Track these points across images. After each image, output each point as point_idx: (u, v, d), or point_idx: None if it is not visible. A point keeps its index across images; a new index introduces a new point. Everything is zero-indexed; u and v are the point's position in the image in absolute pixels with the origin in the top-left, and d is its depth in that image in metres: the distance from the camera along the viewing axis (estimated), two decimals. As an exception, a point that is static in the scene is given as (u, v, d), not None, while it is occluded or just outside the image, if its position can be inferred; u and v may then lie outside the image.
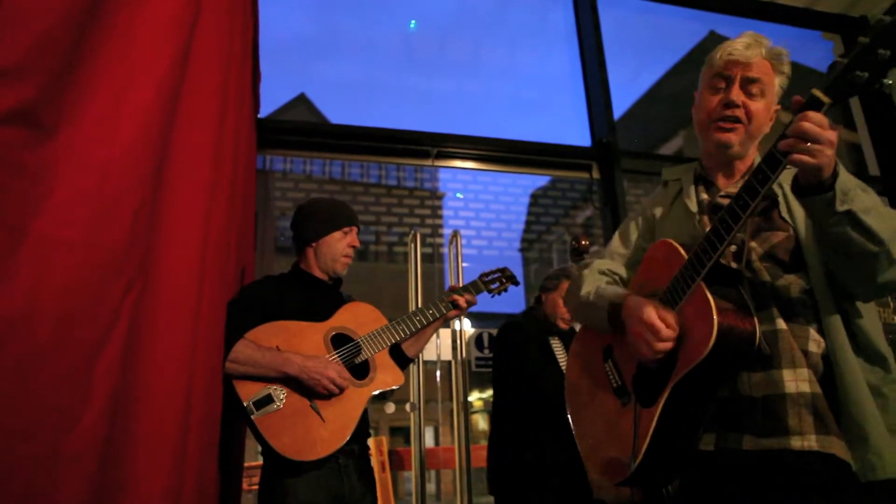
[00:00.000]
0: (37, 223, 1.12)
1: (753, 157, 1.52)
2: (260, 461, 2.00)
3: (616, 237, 1.72)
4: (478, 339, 3.64)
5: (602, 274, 1.63)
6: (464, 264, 3.45)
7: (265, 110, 3.25)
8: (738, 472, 1.27)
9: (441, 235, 4.04)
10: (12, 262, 1.07)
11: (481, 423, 11.70)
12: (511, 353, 2.79)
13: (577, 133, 4.17)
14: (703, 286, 1.25)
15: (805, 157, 1.10)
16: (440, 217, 4.16)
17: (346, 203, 2.37)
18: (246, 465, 2.51)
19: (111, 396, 1.22)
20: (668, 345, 1.25)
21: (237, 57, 2.23)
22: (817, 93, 1.11)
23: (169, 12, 1.56)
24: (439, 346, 3.49)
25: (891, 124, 4.45)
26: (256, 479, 2.09)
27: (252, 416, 1.88)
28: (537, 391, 2.57)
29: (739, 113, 1.43)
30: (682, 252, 1.33)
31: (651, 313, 1.28)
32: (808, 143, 1.10)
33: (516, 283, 2.59)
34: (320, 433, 1.92)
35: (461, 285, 2.46)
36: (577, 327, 1.80)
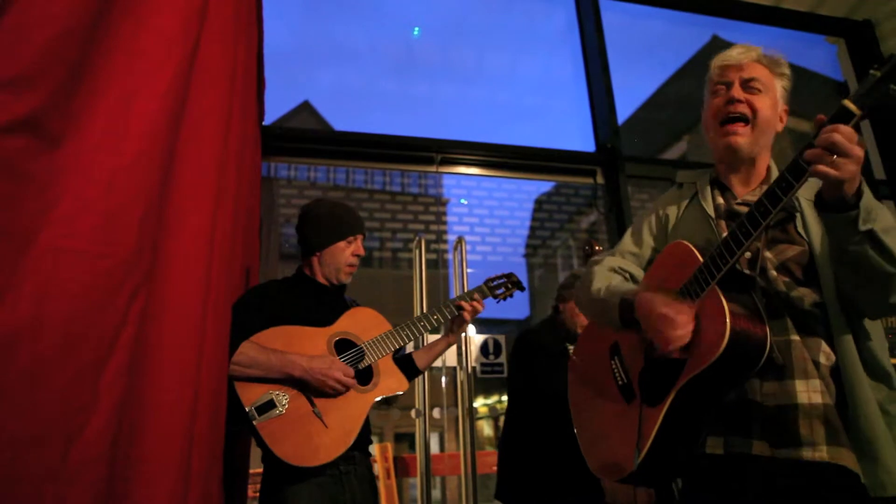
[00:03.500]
0: (43, 233, 1.13)
1: (768, 162, 1.52)
2: (266, 467, 1.99)
3: (627, 236, 1.71)
4: (483, 346, 3.63)
5: (613, 271, 1.62)
6: (468, 270, 3.44)
7: (270, 118, 3.26)
8: (747, 476, 1.27)
9: (445, 241, 4.04)
10: (19, 271, 1.08)
11: (486, 429, 11.66)
12: (524, 363, 2.79)
13: (581, 138, 4.17)
14: (717, 290, 1.25)
15: (830, 170, 1.09)
16: (444, 223, 4.16)
17: (351, 208, 2.36)
18: (252, 471, 2.51)
19: (117, 405, 1.23)
20: (686, 335, 1.25)
21: (242, 65, 2.24)
22: (849, 104, 1.10)
23: (174, 22, 1.57)
24: (445, 352, 3.48)
25: (896, 128, 4.43)
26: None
27: (254, 422, 1.87)
28: (548, 401, 2.57)
29: (743, 108, 1.44)
30: (698, 255, 1.33)
31: (665, 308, 1.28)
32: (835, 157, 1.08)
33: (521, 289, 2.58)
34: (323, 439, 1.92)
35: (460, 294, 2.46)
36: None
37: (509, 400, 2.91)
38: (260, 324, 2.01)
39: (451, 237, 3.90)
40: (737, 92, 1.44)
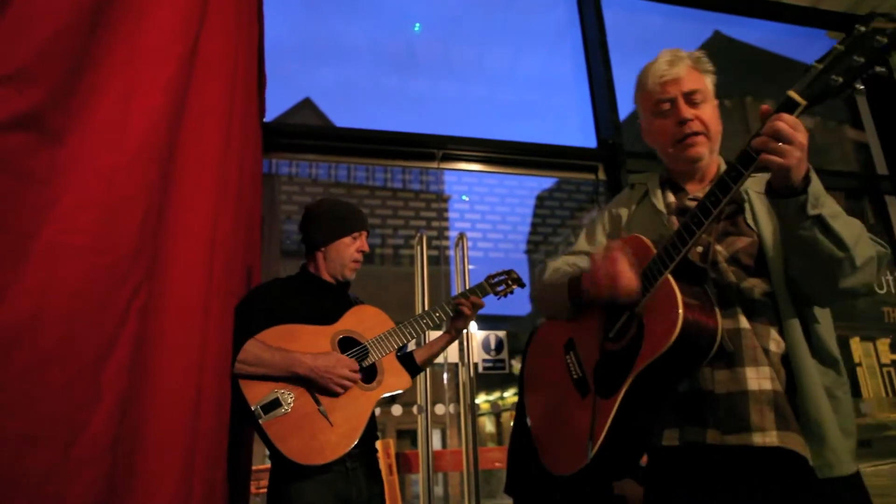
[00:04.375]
0: (44, 229, 1.13)
1: (718, 162, 1.56)
2: (268, 464, 2.00)
3: (582, 235, 1.75)
4: (485, 342, 3.63)
5: (566, 265, 1.66)
6: (470, 267, 3.44)
7: (271, 115, 3.26)
8: (703, 465, 1.31)
9: (447, 238, 4.03)
10: (20, 267, 1.07)
11: (489, 425, 11.67)
12: None
13: (582, 134, 4.16)
14: (670, 279, 1.28)
15: (776, 157, 1.14)
16: (446, 220, 4.15)
17: (355, 206, 2.37)
18: (254, 468, 2.51)
19: (119, 401, 1.23)
20: (633, 277, 1.28)
21: (243, 61, 2.23)
22: (793, 94, 1.15)
23: (175, 18, 1.57)
24: (446, 349, 3.47)
25: (898, 123, 4.43)
26: (264, 483, 2.09)
27: (260, 421, 1.88)
28: None
29: (696, 126, 1.48)
30: (652, 247, 1.36)
31: (614, 253, 1.31)
32: (780, 143, 1.13)
33: (522, 285, 2.58)
34: (328, 437, 1.92)
35: (461, 292, 2.46)
36: None
37: (520, 390, 2.89)
38: (264, 322, 2.01)
39: (453, 234, 3.90)
40: (685, 111, 1.47)
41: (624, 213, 1.65)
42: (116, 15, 1.37)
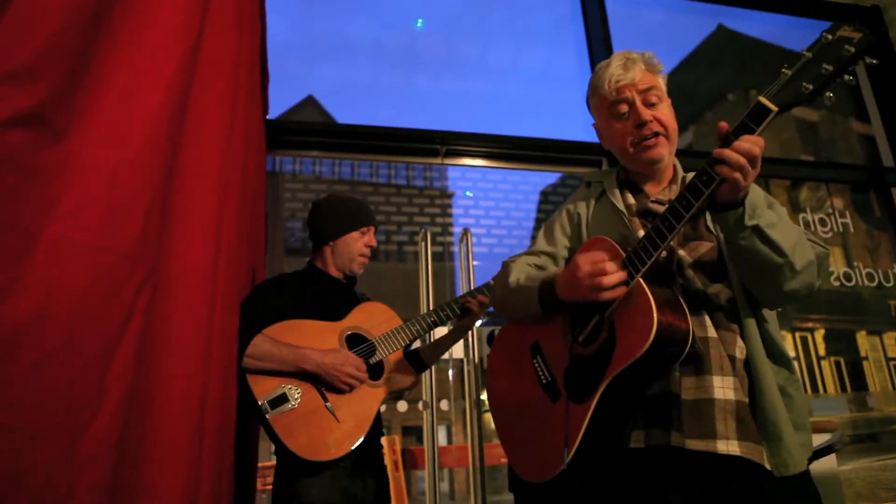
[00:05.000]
0: (48, 227, 1.13)
1: (673, 161, 1.57)
2: (274, 461, 2.01)
3: (540, 235, 1.72)
4: (490, 337, 3.62)
5: (529, 266, 1.63)
6: (474, 262, 3.44)
7: (274, 113, 3.26)
8: (666, 468, 1.30)
9: (451, 234, 4.04)
10: (24, 265, 1.07)
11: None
12: None
13: (586, 129, 4.14)
14: (642, 283, 1.26)
15: (741, 179, 1.16)
16: (450, 215, 4.16)
17: (363, 202, 2.37)
18: (260, 465, 2.52)
19: (125, 398, 1.23)
20: (619, 274, 1.26)
21: (245, 58, 2.23)
22: (765, 101, 1.16)
23: (177, 16, 1.56)
24: (451, 347, 3.48)
25: (904, 115, 4.40)
26: (271, 480, 2.09)
27: (267, 416, 1.88)
28: None
29: (655, 127, 1.48)
30: (620, 249, 1.34)
31: (596, 254, 1.31)
32: (748, 167, 1.15)
33: None
34: (335, 434, 1.92)
35: (469, 290, 2.44)
36: None
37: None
38: (271, 317, 2.02)
39: (457, 229, 3.90)
40: (643, 112, 1.47)
41: (583, 211, 1.63)
42: (118, 13, 1.37)
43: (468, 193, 4.09)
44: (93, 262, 1.20)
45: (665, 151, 1.49)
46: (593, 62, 4.22)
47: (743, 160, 1.14)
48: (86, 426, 1.13)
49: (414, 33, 4.72)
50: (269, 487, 2.14)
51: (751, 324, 1.34)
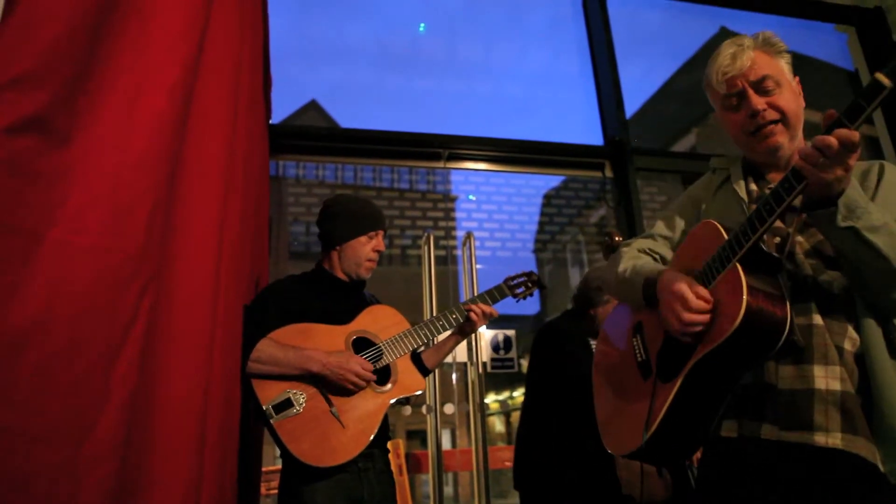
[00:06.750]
0: (52, 230, 1.13)
1: (797, 145, 1.46)
2: (278, 465, 2.00)
3: (660, 219, 1.69)
4: (494, 341, 3.62)
5: (642, 252, 1.61)
6: (477, 266, 3.43)
7: (277, 117, 3.27)
8: (757, 461, 1.25)
9: (454, 238, 4.03)
10: (28, 268, 1.08)
11: (498, 425, 11.65)
12: (556, 355, 2.73)
13: (589, 132, 4.15)
14: (738, 267, 1.22)
15: (816, 172, 1.09)
16: (453, 219, 4.15)
17: (373, 204, 2.34)
18: (264, 469, 2.51)
19: (129, 400, 1.23)
20: (698, 317, 1.23)
21: (248, 63, 2.24)
22: (882, 77, 1.06)
23: (179, 19, 1.57)
24: (453, 350, 3.47)
25: (908, 116, 4.38)
26: (274, 484, 2.09)
27: (271, 421, 1.87)
28: (575, 386, 2.52)
29: (770, 115, 1.40)
30: (724, 233, 1.31)
31: (682, 285, 1.27)
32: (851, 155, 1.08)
33: (543, 287, 2.50)
34: (340, 439, 1.91)
35: (479, 294, 2.41)
36: None
37: (531, 390, 2.86)
38: (278, 321, 2.00)
39: (460, 233, 3.89)
40: (756, 102, 1.40)
41: (704, 197, 1.59)
42: (121, 18, 1.38)
43: (471, 197, 4.09)
44: (96, 264, 1.20)
45: (783, 139, 1.40)
46: (596, 65, 4.22)
47: (813, 154, 1.08)
48: (90, 428, 1.13)
49: (415, 36, 4.73)
50: (274, 492, 2.13)
51: (870, 317, 1.22)
